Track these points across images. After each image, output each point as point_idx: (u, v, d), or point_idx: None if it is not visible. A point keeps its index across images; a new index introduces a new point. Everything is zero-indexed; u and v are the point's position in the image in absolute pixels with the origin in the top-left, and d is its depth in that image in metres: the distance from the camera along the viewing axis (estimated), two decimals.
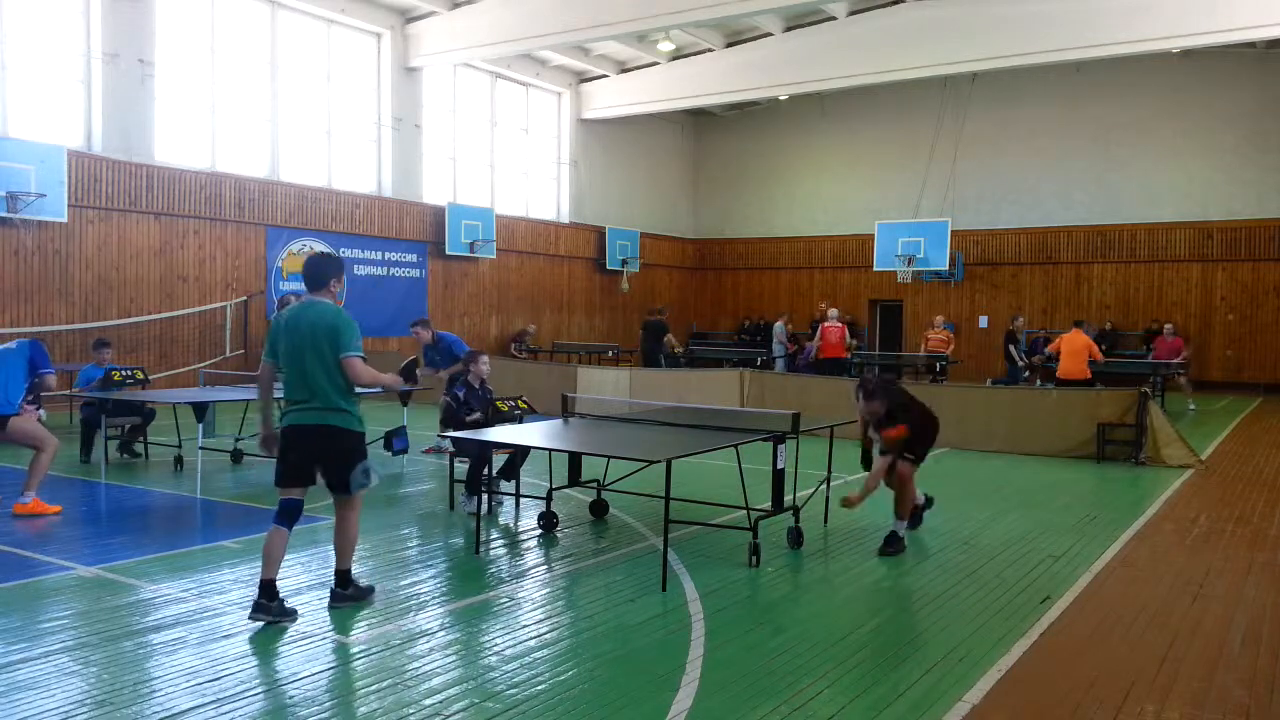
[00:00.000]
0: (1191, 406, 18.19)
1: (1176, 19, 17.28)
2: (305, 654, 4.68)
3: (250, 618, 5.06)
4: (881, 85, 22.74)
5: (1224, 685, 4.46)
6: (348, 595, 5.45)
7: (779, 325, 22.84)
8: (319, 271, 5.31)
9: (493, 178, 23.93)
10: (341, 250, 19.85)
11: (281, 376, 5.34)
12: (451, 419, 8.27)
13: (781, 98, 25.90)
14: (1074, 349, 14.17)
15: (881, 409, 7.08)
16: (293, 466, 5.23)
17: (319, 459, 5.23)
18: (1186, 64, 22.33)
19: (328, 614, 5.29)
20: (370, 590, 5.62)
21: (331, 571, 5.52)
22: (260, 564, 5.16)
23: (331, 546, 5.50)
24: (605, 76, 25.23)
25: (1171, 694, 4.33)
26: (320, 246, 19.41)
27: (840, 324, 19.20)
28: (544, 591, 5.90)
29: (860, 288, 26.92)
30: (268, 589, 5.08)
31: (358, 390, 5.31)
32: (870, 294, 26.81)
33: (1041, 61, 19.50)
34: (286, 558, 6.35)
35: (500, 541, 7.14)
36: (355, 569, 6.14)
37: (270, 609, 5.06)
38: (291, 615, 5.14)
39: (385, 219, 20.74)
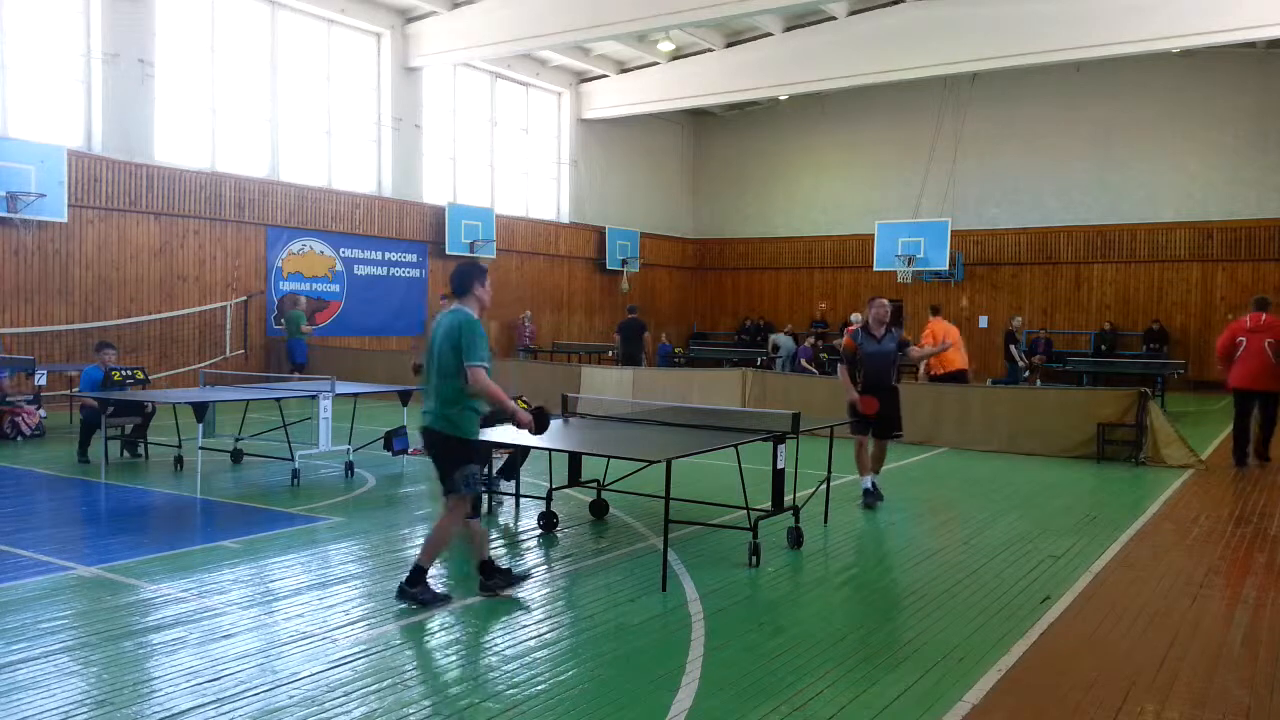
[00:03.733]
0: None
1: (1176, 19, 17.28)
2: (305, 654, 4.68)
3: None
4: (881, 85, 22.73)
5: (1224, 685, 4.45)
6: (413, 595, 5.36)
7: (783, 335, 22.56)
8: (463, 280, 5.45)
9: (493, 178, 23.93)
10: (341, 250, 19.87)
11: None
12: None
13: (781, 98, 25.91)
14: (955, 337, 13.97)
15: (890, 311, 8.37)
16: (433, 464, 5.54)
17: (434, 460, 5.44)
18: (1186, 64, 22.33)
19: (327, 614, 5.29)
20: (443, 599, 5.44)
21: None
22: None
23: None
24: (605, 76, 25.23)
25: (1171, 694, 4.33)
26: (320, 247, 19.43)
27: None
28: (544, 591, 5.89)
29: (860, 288, 26.92)
30: (484, 567, 5.53)
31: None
32: (870, 294, 26.68)
33: (1041, 61, 19.51)
34: (285, 557, 6.38)
35: (500, 541, 7.14)
36: (356, 567, 6.16)
37: (487, 585, 5.54)
38: (516, 580, 5.68)
39: (385, 219, 20.74)
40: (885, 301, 8.43)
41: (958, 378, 13.76)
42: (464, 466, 5.31)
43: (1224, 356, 11.29)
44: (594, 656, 4.70)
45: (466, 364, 5.20)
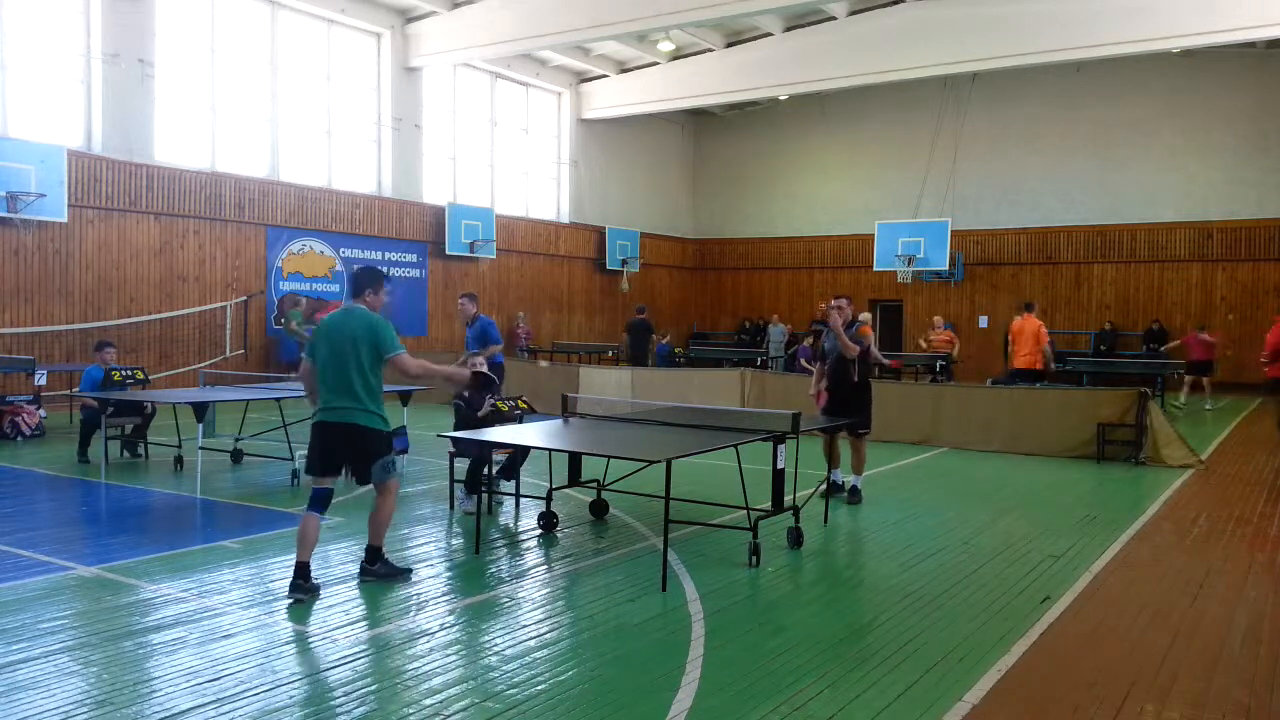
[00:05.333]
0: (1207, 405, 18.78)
1: (1176, 19, 17.28)
2: (305, 654, 4.68)
3: (289, 596, 5.49)
4: (881, 85, 22.73)
5: (1224, 685, 4.46)
6: (374, 571, 5.75)
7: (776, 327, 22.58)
8: (357, 282, 5.79)
9: (493, 178, 23.93)
10: (341, 250, 19.87)
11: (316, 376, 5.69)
12: (465, 423, 8.26)
13: (781, 98, 25.90)
14: (1024, 336, 13.93)
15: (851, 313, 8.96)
16: (322, 460, 5.63)
17: (347, 455, 5.67)
18: (1186, 64, 22.33)
19: (327, 614, 5.29)
20: (405, 573, 5.87)
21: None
22: (296, 547, 5.57)
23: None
24: (605, 76, 25.22)
25: (1171, 694, 4.33)
26: (320, 247, 19.43)
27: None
28: (544, 591, 5.90)
29: (860, 288, 26.89)
30: (302, 569, 5.50)
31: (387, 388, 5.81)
32: (870, 294, 26.80)
33: (1041, 61, 19.51)
34: (281, 558, 6.37)
35: (500, 541, 7.14)
36: (355, 567, 6.15)
37: (303, 588, 5.49)
38: (317, 591, 5.58)
39: (385, 219, 20.74)
40: (841, 303, 8.89)
41: (1020, 375, 13.84)
42: (383, 458, 5.64)
43: (1274, 352, 12.51)
44: (594, 656, 4.70)
45: (392, 354, 5.54)
